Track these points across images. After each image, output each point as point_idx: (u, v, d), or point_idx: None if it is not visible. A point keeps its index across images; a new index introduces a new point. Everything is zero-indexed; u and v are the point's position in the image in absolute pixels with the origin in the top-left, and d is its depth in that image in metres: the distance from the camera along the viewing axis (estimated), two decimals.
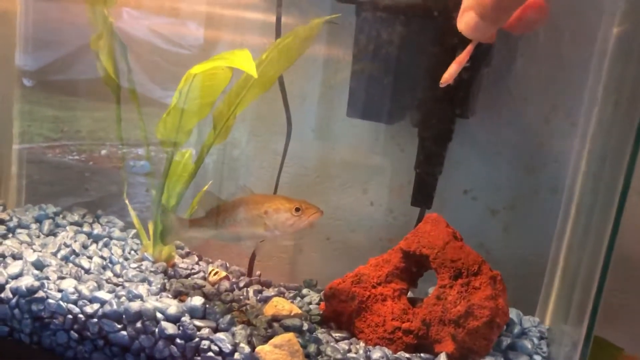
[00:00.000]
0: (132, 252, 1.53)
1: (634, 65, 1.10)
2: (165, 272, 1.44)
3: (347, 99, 1.46)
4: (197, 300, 1.20)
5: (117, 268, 1.42)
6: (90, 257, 1.46)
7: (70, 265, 1.40)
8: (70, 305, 1.22)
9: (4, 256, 1.38)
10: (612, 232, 1.00)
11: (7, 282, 1.27)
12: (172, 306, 1.19)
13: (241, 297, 1.40)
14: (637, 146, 0.98)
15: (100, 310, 1.21)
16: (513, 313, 1.37)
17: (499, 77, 1.43)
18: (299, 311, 1.30)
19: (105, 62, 1.45)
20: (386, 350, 1.21)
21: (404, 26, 1.37)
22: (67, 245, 1.48)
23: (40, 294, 1.24)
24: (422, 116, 1.42)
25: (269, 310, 1.29)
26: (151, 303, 1.20)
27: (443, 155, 1.41)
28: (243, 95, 1.31)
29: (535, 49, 1.40)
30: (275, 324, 1.23)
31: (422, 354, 1.23)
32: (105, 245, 1.54)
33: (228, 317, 1.19)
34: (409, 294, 1.37)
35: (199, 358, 1.14)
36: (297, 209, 1.20)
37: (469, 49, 1.16)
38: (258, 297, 1.42)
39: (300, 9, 1.49)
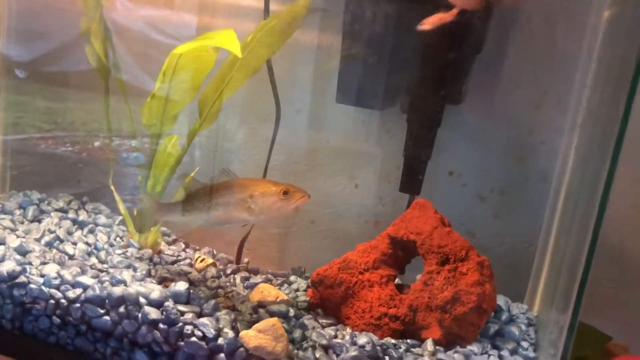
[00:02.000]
0: (118, 238, 1.51)
1: (622, 47, 1.09)
2: (150, 259, 1.42)
3: (337, 85, 1.45)
4: (181, 286, 1.19)
5: (102, 254, 1.41)
6: (74, 244, 1.44)
7: (54, 251, 1.38)
8: (53, 290, 1.20)
9: None
10: (597, 218, 0.99)
11: None
12: (156, 291, 1.17)
13: (228, 283, 1.39)
14: (623, 131, 0.97)
15: (83, 295, 1.19)
16: (501, 300, 1.36)
17: (490, 63, 1.41)
18: (286, 297, 1.29)
19: (97, 47, 1.43)
20: (372, 336, 1.20)
21: (392, 10, 1.35)
22: (51, 232, 1.46)
23: (22, 279, 1.22)
24: (411, 102, 1.41)
25: (255, 296, 1.28)
26: (134, 288, 1.18)
27: (432, 140, 1.40)
28: (229, 79, 1.29)
29: (525, 34, 1.39)
30: (261, 310, 1.22)
31: (408, 340, 1.22)
32: (91, 231, 1.52)
33: (212, 302, 1.18)
34: (397, 281, 1.36)
35: (182, 343, 1.13)
36: (285, 193, 1.18)
37: (454, 12, 1.21)
38: (245, 284, 1.41)
39: None
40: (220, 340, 1.11)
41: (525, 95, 1.42)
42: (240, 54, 1.07)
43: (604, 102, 1.14)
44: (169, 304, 1.15)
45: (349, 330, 1.25)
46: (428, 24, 1.23)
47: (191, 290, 1.20)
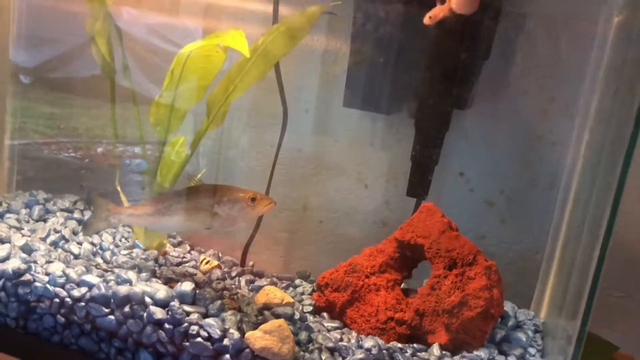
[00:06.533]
0: (123, 239, 1.51)
1: (633, 52, 1.08)
2: (156, 260, 1.42)
3: (344, 89, 1.45)
4: (186, 286, 1.18)
5: (107, 254, 1.40)
6: (80, 243, 1.43)
7: (60, 250, 1.38)
8: (58, 289, 1.20)
9: None
10: (607, 225, 0.98)
11: None
12: (161, 290, 1.16)
13: (233, 285, 1.38)
14: (636, 136, 0.96)
15: (88, 293, 1.18)
16: (508, 306, 1.35)
17: (498, 69, 1.41)
18: (291, 300, 1.28)
19: (101, 47, 1.43)
20: (378, 340, 1.19)
21: (401, 15, 1.36)
22: (56, 231, 1.45)
23: (27, 277, 1.21)
24: (419, 107, 1.41)
25: (261, 298, 1.27)
26: (140, 287, 1.17)
27: (440, 145, 1.39)
28: (238, 81, 1.29)
29: (533, 40, 1.39)
30: (267, 312, 1.21)
31: (415, 345, 1.21)
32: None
33: (218, 303, 1.17)
34: (403, 285, 1.35)
35: (187, 343, 1.12)
36: (253, 199, 1.19)
37: (445, 7, 1.24)
38: (250, 287, 1.40)
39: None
40: (226, 341, 1.10)
41: (532, 101, 1.42)
42: (248, 53, 1.07)
43: (615, 108, 1.14)
44: (175, 304, 1.14)
45: (354, 334, 1.24)
46: (427, 19, 1.25)
47: (197, 291, 1.19)
